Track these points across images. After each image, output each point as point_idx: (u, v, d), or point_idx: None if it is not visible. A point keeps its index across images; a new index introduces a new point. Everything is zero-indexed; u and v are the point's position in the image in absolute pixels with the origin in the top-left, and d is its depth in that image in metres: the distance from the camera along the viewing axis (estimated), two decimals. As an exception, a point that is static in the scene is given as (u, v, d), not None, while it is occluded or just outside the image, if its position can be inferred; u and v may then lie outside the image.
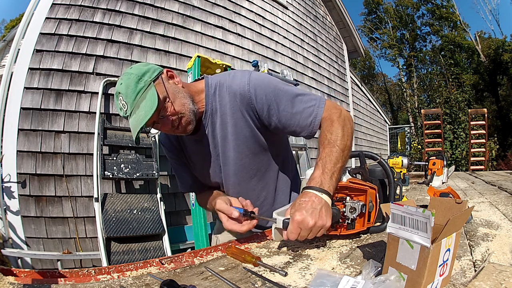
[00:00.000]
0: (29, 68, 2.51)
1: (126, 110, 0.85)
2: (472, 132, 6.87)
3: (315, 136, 0.95)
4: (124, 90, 0.84)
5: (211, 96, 0.96)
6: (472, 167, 6.70)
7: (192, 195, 2.79)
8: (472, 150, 7.05)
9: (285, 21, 5.13)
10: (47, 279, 0.62)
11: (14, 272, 0.62)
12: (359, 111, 7.68)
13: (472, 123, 6.79)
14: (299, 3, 5.63)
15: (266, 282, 0.59)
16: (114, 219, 2.38)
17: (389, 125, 11.05)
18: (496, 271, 0.54)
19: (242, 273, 0.65)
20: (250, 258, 0.69)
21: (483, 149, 6.79)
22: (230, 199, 0.92)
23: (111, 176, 2.51)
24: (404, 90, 20.91)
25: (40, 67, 2.55)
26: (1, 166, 2.33)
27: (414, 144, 10.47)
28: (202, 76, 1.03)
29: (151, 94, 0.84)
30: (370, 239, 0.85)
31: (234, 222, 0.89)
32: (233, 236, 1.11)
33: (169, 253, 2.50)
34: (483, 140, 6.65)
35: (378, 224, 0.89)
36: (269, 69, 4.23)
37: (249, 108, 0.93)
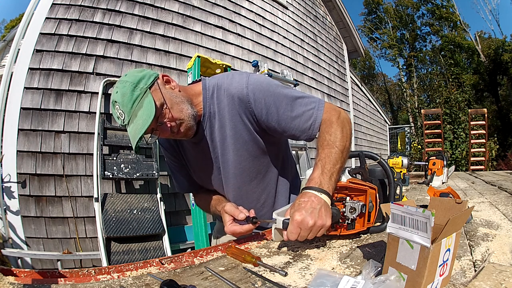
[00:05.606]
0: (29, 68, 2.51)
1: (123, 119, 0.85)
2: (472, 132, 6.86)
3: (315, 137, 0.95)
4: (120, 99, 0.83)
5: (209, 99, 0.95)
6: (472, 167, 6.69)
7: (192, 195, 2.79)
8: (472, 150, 7.04)
9: (285, 21, 5.13)
10: (47, 279, 0.62)
11: (14, 272, 0.62)
12: (359, 111, 7.68)
13: (472, 123, 6.78)
14: (299, 3, 5.63)
15: (266, 282, 0.59)
16: (114, 219, 2.38)
17: (389, 125, 11.05)
18: (496, 271, 0.54)
19: (242, 273, 0.65)
20: (250, 258, 0.69)
21: (483, 149, 6.78)
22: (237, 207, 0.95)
23: (111, 176, 2.52)
24: (404, 90, 20.90)
25: (40, 67, 2.55)
26: (1, 166, 2.33)
27: (414, 144, 10.47)
28: (199, 78, 1.02)
29: (147, 102, 0.83)
30: (370, 239, 0.85)
31: (235, 224, 0.91)
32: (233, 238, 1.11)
33: (169, 253, 2.50)
34: (483, 140, 6.64)
35: (378, 224, 0.89)
36: (269, 69, 4.23)
37: (248, 111, 0.92)
